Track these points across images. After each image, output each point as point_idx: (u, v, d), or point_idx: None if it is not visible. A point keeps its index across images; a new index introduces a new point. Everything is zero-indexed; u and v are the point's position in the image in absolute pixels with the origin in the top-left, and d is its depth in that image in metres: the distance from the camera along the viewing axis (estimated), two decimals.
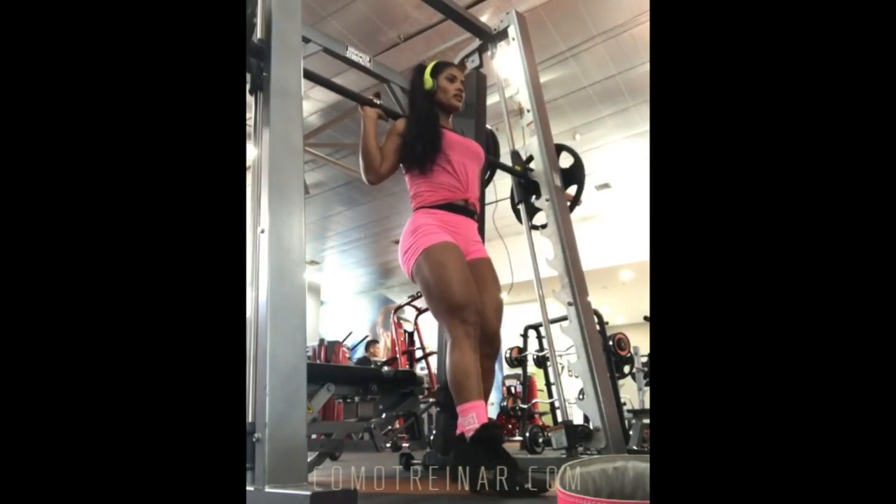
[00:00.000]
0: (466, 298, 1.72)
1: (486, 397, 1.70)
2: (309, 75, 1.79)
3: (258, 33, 1.54)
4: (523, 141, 2.64)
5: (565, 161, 2.66)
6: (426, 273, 1.76)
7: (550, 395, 4.64)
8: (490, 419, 1.64)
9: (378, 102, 1.98)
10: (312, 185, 7.10)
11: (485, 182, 2.76)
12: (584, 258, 2.50)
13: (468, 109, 2.76)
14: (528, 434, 3.90)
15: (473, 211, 1.96)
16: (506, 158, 2.69)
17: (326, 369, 3.04)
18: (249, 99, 1.52)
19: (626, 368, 4.37)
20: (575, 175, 2.65)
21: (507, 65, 2.81)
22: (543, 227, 2.50)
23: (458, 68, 2.06)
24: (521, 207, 2.57)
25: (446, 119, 2.04)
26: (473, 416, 1.59)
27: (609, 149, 6.46)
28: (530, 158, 2.59)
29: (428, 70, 2.00)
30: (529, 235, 2.55)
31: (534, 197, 2.54)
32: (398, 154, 1.92)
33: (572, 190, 2.65)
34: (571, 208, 2.60)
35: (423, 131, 1.90)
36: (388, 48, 4.73)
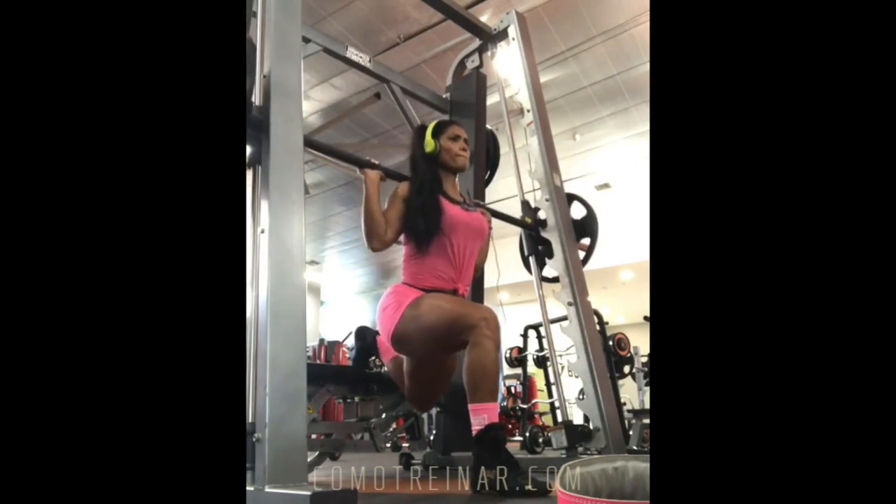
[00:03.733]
0: (474, 310, 1.68)
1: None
2: (311, 144, 1.75)
3: (258, 34, 1.54)
4: (524, 140, 2.64)
5: (577, 212, 2.59)
6: (419, 318, 1.70)
7: (550, 395, 4.64)
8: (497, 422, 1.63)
9: (377, 163, 1.90)
10: (312, 185, 7.10)
11: (485, 183, 2.77)
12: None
13: (468, 109, 2.77)
14: (528, 434, 3.90)
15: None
16: (506, 159, 2.68)
17: (326, 369, 3.04)
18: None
19: (626, 368, 4.38)
20: (588, 227, 2.59)
21: (507, 65, 2.81)
22: (555, 279, 2.44)
23: (460, 127, 1.98)
24: (532, 259, 2.51)
25: (452, 181, 1.98)
26: (485, 418, 1.59)
27: (609, 149, 6.46)
28: (537, 209, 2.53)
29: (429, 131, 1.93)
30: (540, 288, 2.47)
31: (546, 258, 2.45)
32: (402, 221, 1.85)
33: (585, 241, 2.58)
34: (585, 260, 2.53)
35: (425, 203, 1.83)
36: (388, 48, 4.73)
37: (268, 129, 1.42)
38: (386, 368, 2.18)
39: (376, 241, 1.81)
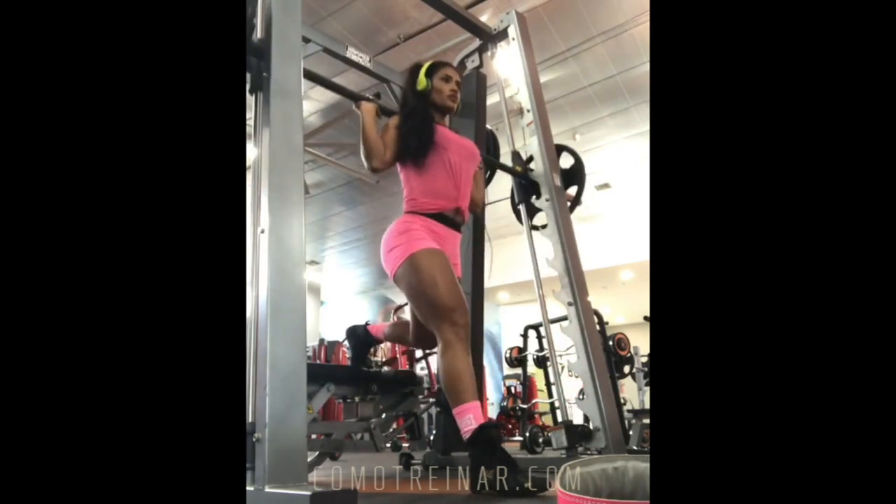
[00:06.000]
0: (455, 301, 1.72)
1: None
2: (307, 74, 1.79)
3: (258, 33, 1.54)
4: (523, 141, 2.64)
5: (566, 161, 2.67)
6: (413, 278, 1.75)
7: (550, 395, 4.64)
8: (488, 419, 1.64)
9: (371, 97, 1.97)
10: (312, 185, 7.10)
11: (486, 181, 2.77)
12: (584, 258, 2.51)
13: (468, 109, 2.77)
14: (528, 434, 3.90)
15: (461, 222, 1.96)
16: (506, 158, 2.69)
17: (326, 369, 3.04)
18: (249, 99, 1.51)
19: (626, 368, 4.38)
20: (575, 176, 2.66)
21: (507, 65, 2.81)
22: (544, 227, 2.51)
23: (454, 69, 2.04)
24: (522, 208, 2.57)
25: (442, 119, 2.02)
26: (471, 418, 1.59)
27: (609, 149, 6.46)
28: (530, 159, 2.59)
29: (423, 70, 1.98)
30: (530, 236, 2.55)
31: (534, 197, 2.54)
32: (397, 146, 1.90)
33: (573, 190, 2.66)
34: (572, 209, 2.60)
35: (416, 124, 1.89)
36: (388, 48, 4.73)
37: (268, 129, 1.42)
38: (386, 368, 2.18)
39: (376, 160, 1.86)
